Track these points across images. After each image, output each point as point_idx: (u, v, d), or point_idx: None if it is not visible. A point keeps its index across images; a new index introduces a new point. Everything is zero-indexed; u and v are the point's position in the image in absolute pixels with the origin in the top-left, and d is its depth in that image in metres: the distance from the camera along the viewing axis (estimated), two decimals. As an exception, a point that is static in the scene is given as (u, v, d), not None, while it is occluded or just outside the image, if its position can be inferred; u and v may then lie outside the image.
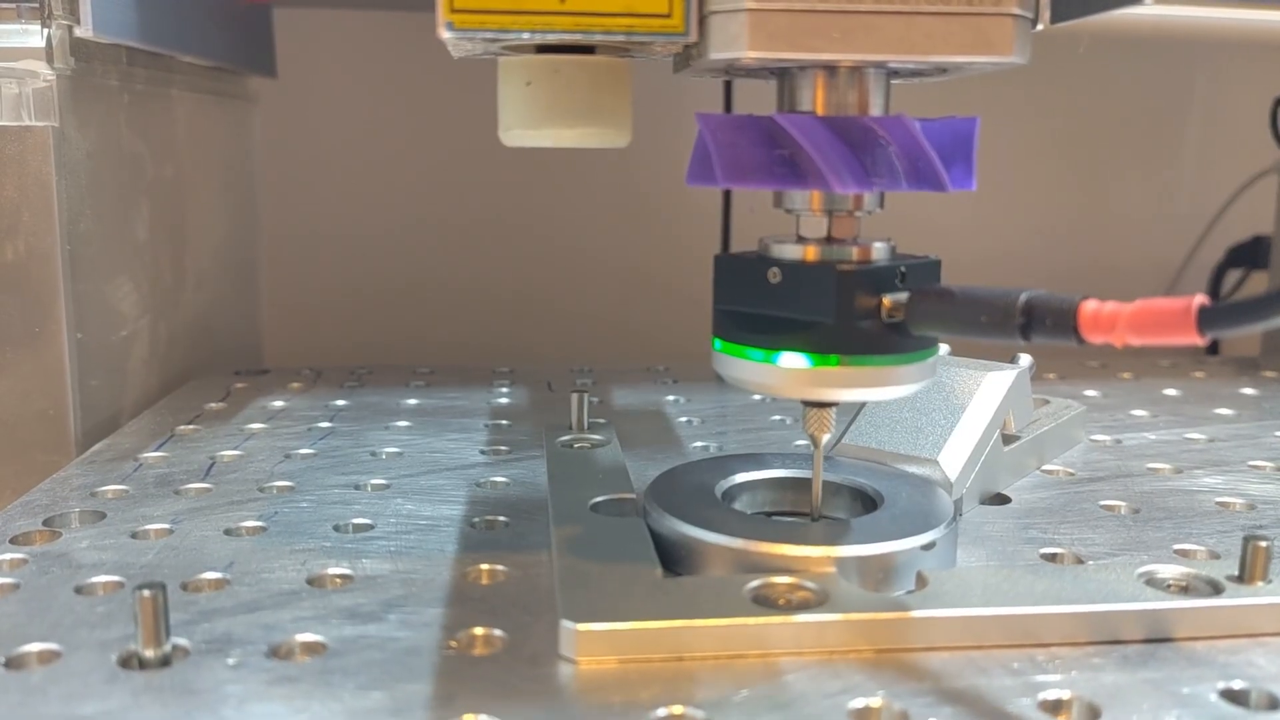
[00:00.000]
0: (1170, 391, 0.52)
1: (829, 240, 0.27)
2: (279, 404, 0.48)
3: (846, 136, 0.25)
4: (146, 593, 0.23)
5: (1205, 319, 0.21)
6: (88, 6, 0.40)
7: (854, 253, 0.26)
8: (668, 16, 0.25)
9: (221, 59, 0.59)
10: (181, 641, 0.24)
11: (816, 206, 0.27)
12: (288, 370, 0.55)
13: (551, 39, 0.25)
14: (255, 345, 0.69)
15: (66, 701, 0.22)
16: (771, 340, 0.26)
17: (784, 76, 0.27)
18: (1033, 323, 0.23)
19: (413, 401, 0.49)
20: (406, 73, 0.72)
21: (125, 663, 0.23)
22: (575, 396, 0.40)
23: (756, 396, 0.50)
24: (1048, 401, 0.42)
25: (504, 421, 0.45)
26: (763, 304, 0.27)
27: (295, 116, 0.71)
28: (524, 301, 0.75)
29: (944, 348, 0.40)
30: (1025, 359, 0.38)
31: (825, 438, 0.29)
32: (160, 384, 0.51)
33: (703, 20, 0.25)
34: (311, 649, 0.24)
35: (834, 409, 0.28)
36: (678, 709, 0.22)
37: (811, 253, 0.27)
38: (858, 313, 0.25)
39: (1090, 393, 0.52)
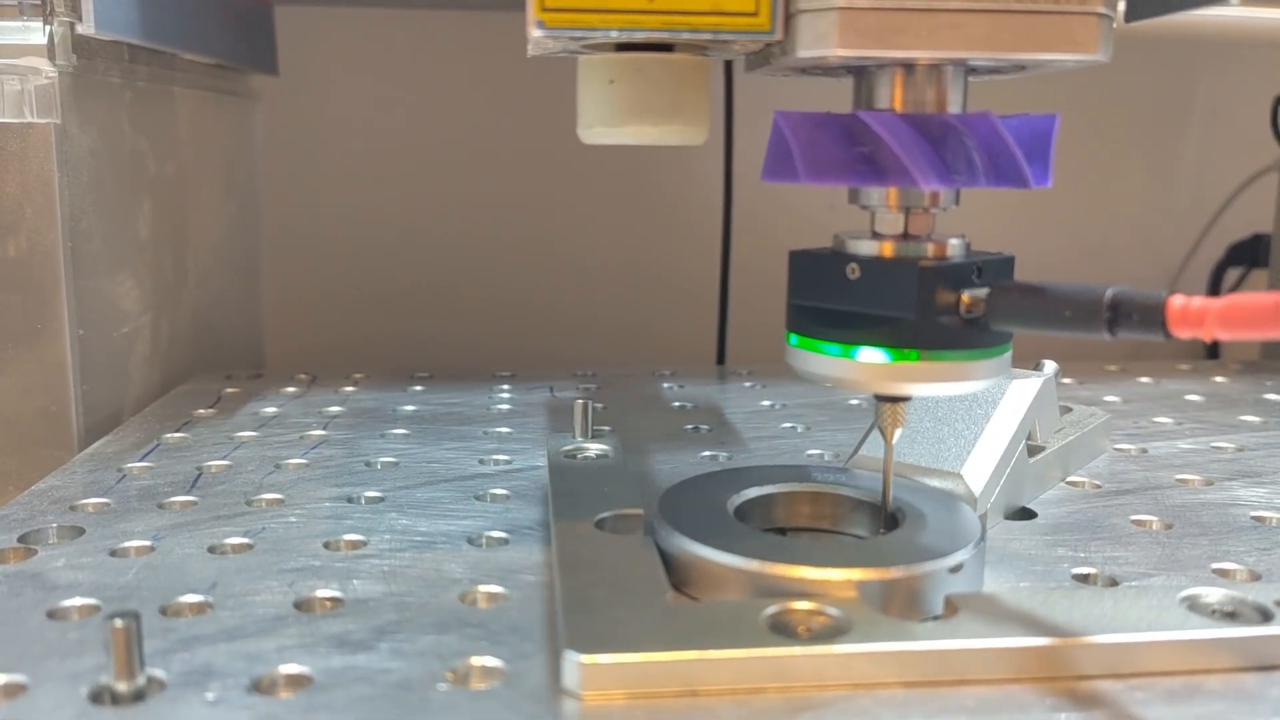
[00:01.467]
0: (1193, 397, 0.50)
1: (906, 237, 0.27)
2: (271, 410, 0.46)
3: (928, 133, 0.25)
4: (119, 622, 0.21)
5: None
6: (90, 4, 0.40)
7: (931, 249, 0.26)
8: (754, 15, 0.25)
9: (223, 57, 0.58)
10: (158, 673, 0.23)
11: (893, 203, 0.27)
12: (282, 374, 0.53)
13: (639, 37, 0.25)
14: (257, 343, 0.69)
15: (29, 743, 0.20)
16: (850, 335, 0.26)
17: (862, 74, 0.27)
18: (1119, 318, 0.23)
19: (410, 408, 0.47)
20: (409, 71, 0.71)
21: (97, 697, 0.22)
22: (579, 404, 0.38)
23: (766, 403, 0.48)
24: (1070, 409, 0.41)
25: (504, 429, 0.43)
26: (840, 299, 0.27)
27: (297, 115, 0.70)
28: (527, 298, 0.74)
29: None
30: (1050, 365, 0.36)
31: (897, 433, 0.28)
32: (162, 381, 0.51)
33: (789, 19, 0.25)
34: (296, 682, 0.23)
35: (907, 404, 0.28)
36: (692, 751, 0.20)
37: (889, 249, 0.27)
38: (939, 308, 0.25)
39: (1110, 398, 0.50)
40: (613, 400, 0.49)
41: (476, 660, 0.23)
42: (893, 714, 0.21)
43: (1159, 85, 0.76)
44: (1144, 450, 0.41)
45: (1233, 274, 0.78)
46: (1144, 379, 0.54)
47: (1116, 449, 0.41)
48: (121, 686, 0.22)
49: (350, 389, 0.50)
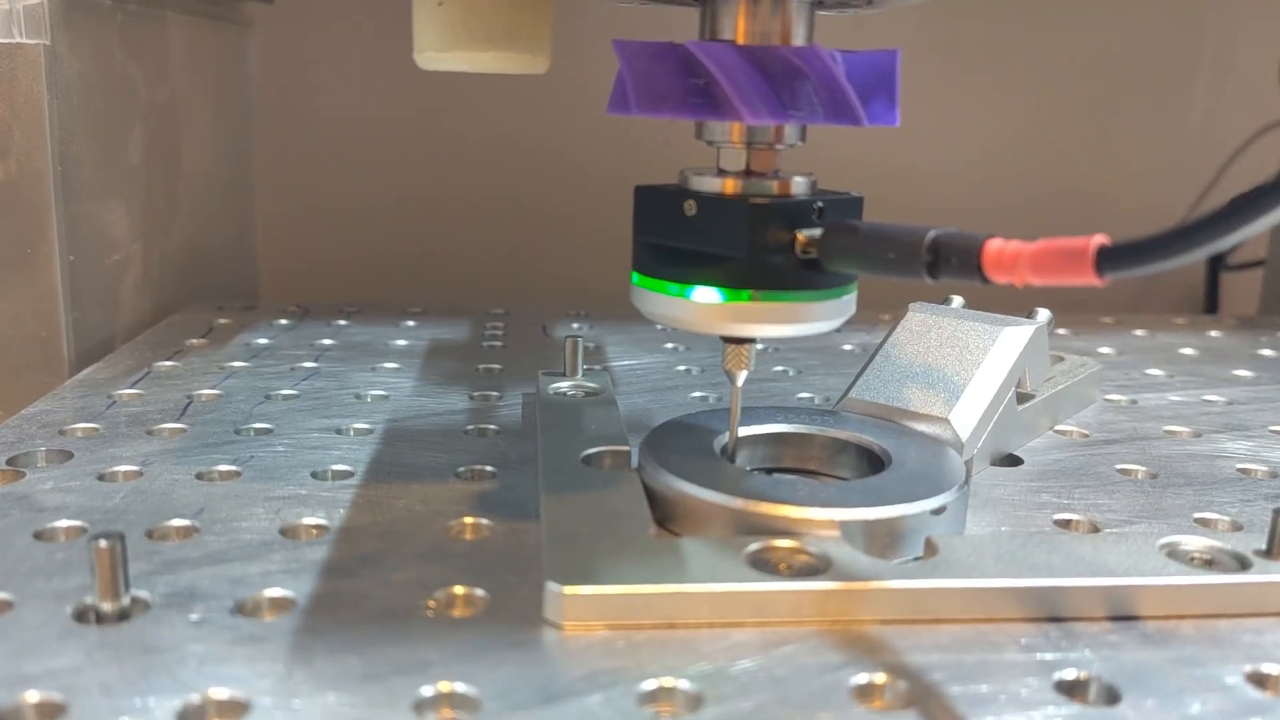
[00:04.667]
0: (1186, 350, 0.50)
1: (748, 173, 0.26)
2: (263, 341, 0.46)
3: (763, 67, 0.24)
4: (104, 543, 0.22)
5: (1104, 260, 0.20)
6: (80, -78, 0.40)
7: (773, 187, 0.26)
8: None
9: (216, -18, 0.57)
10: (142, 594, 0.23)
11: (736, 139, 0.26)
12: (274, 305, 0.53)
13: None
14: (249, 272, 0.69)
15: (14, 658, 0.20)
16: (686, 274, 0.26)
17: (706, 4, 0.26)
18: (939, 261, 0.22)
19: (402, 342, 0.47)
20: (402, -2, 0.69)
21: (81, 616, 0.22)
22: (569, 342, 0.38)
23: (760, 345, 0.48)
24: (1062, 358, 0.41)
25: (495, 366, 0.43)
26: (679, 237, 0.26)
27: (290, 42, 0.68)
28: (522, 228, 0.73)
29: (958, 299, 0.38)
30: (1044, 313, 0.36)
31: (743, 375, 0.28)
32: (153, 309, 0.51)
33: None
34: (280, 606, 0.23)
35: (752, 345, 0.28)
36: (668, 681, 0.20)
37: (729, 185, 0.26)
38: (770, 247, 0.25)
39: (1104, 349, 0.50)
40: (604, 340, 0.49)
41: (460, 589, 0.24)
42: (867, 650, 0.22)
43: (1166, 37, 0.75)
44: (1134, 401, 0.41)
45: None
46: (1139, 331, 0.54)
47: (1107, 399, 0.41)
48: (106, 606, 0.22)
49: (342, 322, 0.50)
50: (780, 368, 0.45)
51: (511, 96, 0.70)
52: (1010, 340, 0.33)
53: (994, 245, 0.21)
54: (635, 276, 0.27)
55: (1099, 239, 0.20)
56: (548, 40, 0.28)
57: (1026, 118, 0.74)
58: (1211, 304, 0.77)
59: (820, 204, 0.25)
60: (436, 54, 0.27)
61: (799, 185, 0.26)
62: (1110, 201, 0.77)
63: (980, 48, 0.71)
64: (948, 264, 0.22)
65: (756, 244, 0.25)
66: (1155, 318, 0.58)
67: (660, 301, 0.26)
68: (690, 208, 0.26)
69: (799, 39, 0.25)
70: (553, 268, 0.73)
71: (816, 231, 0.25)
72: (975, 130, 0.73)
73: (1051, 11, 0.72)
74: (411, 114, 0.71)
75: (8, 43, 0.39)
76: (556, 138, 0.72)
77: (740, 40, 0.25)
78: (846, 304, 0.26)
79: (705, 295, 0.25)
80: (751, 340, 0.27)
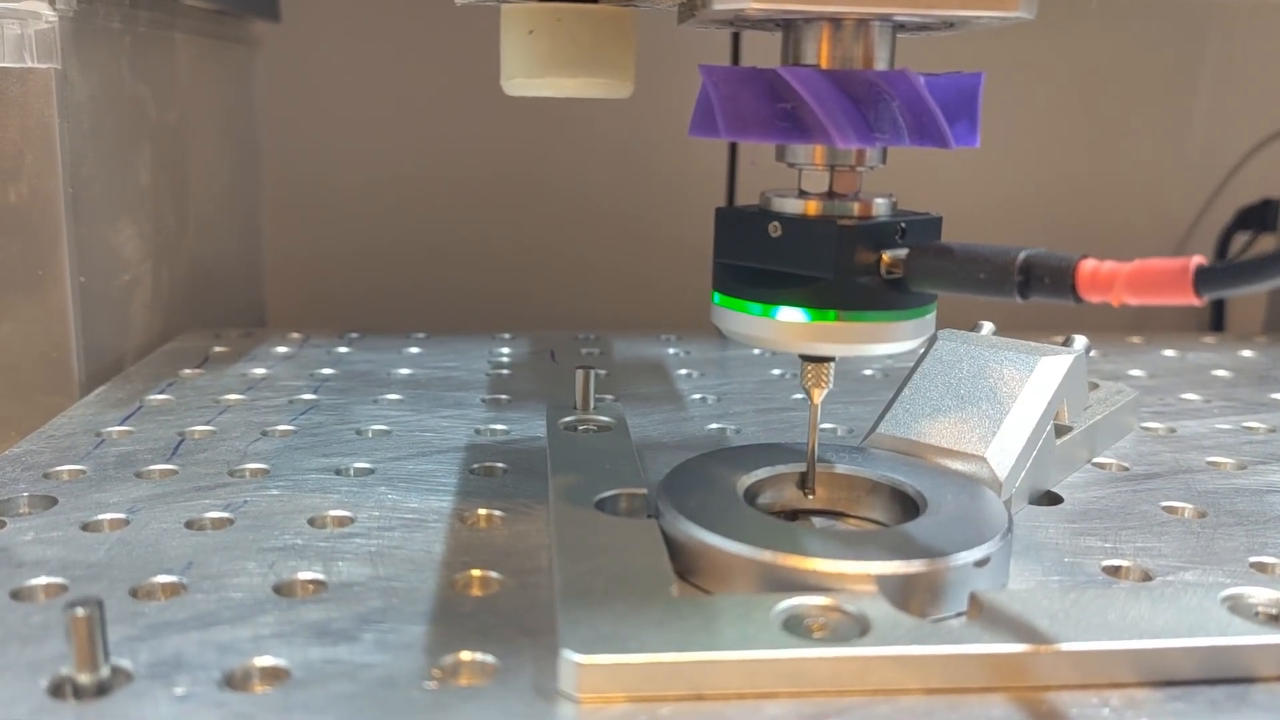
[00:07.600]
0: (1220, 372, 0.49)
1: (830, 195, 0.26)
2: (260, 371, 0.44)
3: (850, 90, 0.24)
4: (81, 611, 0.20)
5: (1202, 279, 0.20)
6: (89, -53, 0.39)
7: (855, 208, 0.26)
8: None
9: (224, 2, 0.56)
10: (124, 663, 0.21)
11: (819, 161, 0.26)
12: (274, 332, 0.51)
13: None
14: (257, 293, 0.68)
15: (-22, 745, 0.18)
16: (770, 294, 0.26)
17: (789, 29, 0.26)
18: (1030, 281, 0.23)
19: (405, 371, 0.45)
20: (411, 20, 0.68)
21: (57, 690, 0.20)
22: (580, 373, 0.36)
23: (776, 371, 0.47)
24: (1097, 385, 0.39)
25: (503, 396, 0.42)
26: (763, 258, 0.26)
27: (298, 62, 0.67)
28: (528, 250, 0.72)
29: (988, 326, 0.36)
30: (1081, 340, 0.34)
31: (820, 393, 0.28)
32: (163, 329, 0.50)
33: None
34: (272, 676, 0.21)
35: (832, 364, 0.28)
36: (697, 764, 0.18)
37: (813, 207, 0.26)
38: (857, 268, 0.25)
39: (1135, 372, 0.48)
40: (615, 366, 0.47)
41: (466, 655, 0.22)
42: (915, 724, 0.20)
43: (1168, 47, 0.73)
44: (1172, 430, 0.39)
45: (1240, 239, 0.76)
46: (1169, 352, 0.52)
47: (1143, 428, 0.39)
48: (84, 678, 0.20)
49: (344, 350, 0.49)
50: (800, 395, 0.43)
51: (519, 114, 0.69)
52: (1048, 370, 0.31)
53: (1088, 265, 0.21)
54: (716, 296, 0.27)
55: (1197, 259, 0.20)
56: (632, 65, 0.28)
57: (1030, 128, 0.72)
58: (1218, 317, 0.75)
59: (903, 224, 0.25)
60: (527, 80, 0.28)
61: (880, 206, 0.26)
62: (1114, 211, 0.75)
63: (982, 58, 0.69)
64: (1040, 284, 0.22)
65: (844, 265, 0.25)
66: (1183, 336, 0.56)
67: (743, 321, 0.26)
68: (775, 229, 0.26)
69: (881, 63, 0.25)
70: (568, 295, 0.72)
71: (901, 252, 0.25)
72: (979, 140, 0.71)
73: (1052, 22, 0.70)
74: (419, 132, 0.69)
75: (19, 67, 0.39)
76: (569, 158, 0.70)
77: (824, 64, 0.25)
78: (927, 323, 0.27)
79: (790, 315, 0.25)
80: (831, 359, 0.27)
